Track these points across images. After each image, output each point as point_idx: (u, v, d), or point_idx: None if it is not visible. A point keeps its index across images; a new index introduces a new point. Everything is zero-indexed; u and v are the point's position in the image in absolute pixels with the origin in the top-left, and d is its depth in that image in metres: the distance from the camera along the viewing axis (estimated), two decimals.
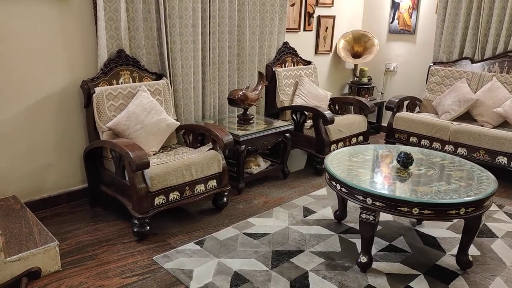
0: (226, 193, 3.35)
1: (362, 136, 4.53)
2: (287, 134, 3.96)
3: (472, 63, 4.77)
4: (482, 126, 4.35)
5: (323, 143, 4.07)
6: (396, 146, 3.27)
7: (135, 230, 2.87)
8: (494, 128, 4.29)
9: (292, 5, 4.79)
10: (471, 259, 2.63)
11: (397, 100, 4.68)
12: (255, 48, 4.34)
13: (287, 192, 3.77)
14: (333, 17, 5.34)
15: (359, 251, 2.65)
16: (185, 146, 3.53)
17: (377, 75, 5.76)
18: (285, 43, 4.67)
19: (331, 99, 4.74)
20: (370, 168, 2.83)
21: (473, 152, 4.08)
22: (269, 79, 4.46)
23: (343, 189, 2.59)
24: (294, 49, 4.74)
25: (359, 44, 5.57)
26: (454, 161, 2.97)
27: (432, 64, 5.03)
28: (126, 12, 3.35)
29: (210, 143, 3.31)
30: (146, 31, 3.50)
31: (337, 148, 4.23)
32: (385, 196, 2.37)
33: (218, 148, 3.25)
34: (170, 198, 2.96)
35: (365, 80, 5.56)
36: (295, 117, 4.30)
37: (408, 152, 2.75)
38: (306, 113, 4.22)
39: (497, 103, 4.28)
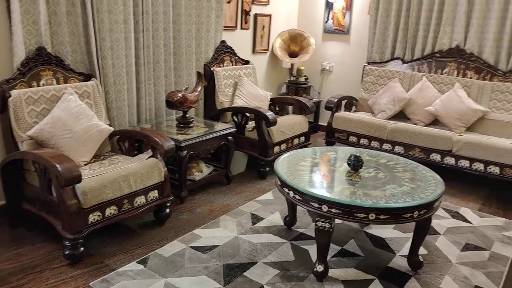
0: (168, 204, 3.10)
1: (303, 137, 4.49)
2: (230, 137, 3.79)
3: (403, 63, 4.94)
4: (415, 124, 4.51)
5: (266, 146, 3.96)
6: (344, 148, 3.24)
7: (67, 252, 2.53)
8: (426, 126, 4.47)
9: (229, 2, 4.61)
10: (421, 260, 2.66)
11: (336, 100, 4.71)
12: (191, 46, 4.10)
13: (233, 198, 3.60)
14: (270, 16, 5.25)
15: (314, 260, 2.57)
16: (121, 154, 3.21)
17: (314, 75, 5.79)
18: (223, 42, 4.48)
19: (271, 99, 4.65)
20: (321, 173, 2.75)
21: (409, 150, 4.21)
22: (207, 79, 4.24)
23: (297, 196, 2.48)
24: (231, 48, 4.57)
25: (296, 43, 5.55)
26: (400, 162, 2.99)
27: (366, 64, 5.14)
28: (46, 4, 2.96)
29: (150, 150, 3.04)
30: (71, 26, 3.13)
31: (280, 150, 4.15)
32: (342, 202, 2.29)
33: (158, 155, 2.99)
34: (106, 214, 2.65)
35: (302, 79, 5.55)
36: (236, 119, 4.14)
37: (358, 155, 2.71)
38: (248, 114, 4.07)
39: (428, 102, 4.46)
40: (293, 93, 5.54)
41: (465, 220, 3.39)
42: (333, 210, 2.32)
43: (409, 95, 4.58)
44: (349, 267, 2.66)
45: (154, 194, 2.95)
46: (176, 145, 3.15)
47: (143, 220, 3.13)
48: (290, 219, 3.09)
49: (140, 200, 2.86)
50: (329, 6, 5.49)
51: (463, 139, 3.91)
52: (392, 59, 5.02)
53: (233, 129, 3.81)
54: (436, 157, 4.08)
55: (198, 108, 4.26)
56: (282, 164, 2.81)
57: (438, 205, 2.51)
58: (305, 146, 4.59)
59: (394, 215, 2.29)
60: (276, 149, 4.10)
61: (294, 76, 5.64)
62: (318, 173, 2.73)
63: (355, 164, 2.69)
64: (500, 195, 3.93)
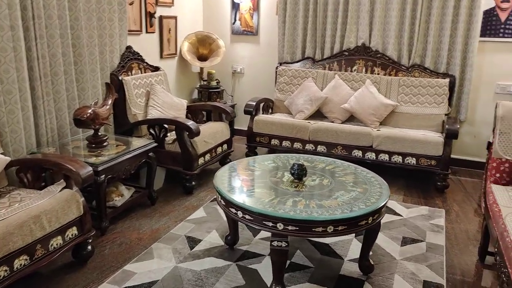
0: (90, 240, 2.65)
1: (226, 144, 4.28)
2: (151, 154, 3.42)
3: (314, 62, 4.99)
4: (333, 121, 4.58)
5: (190, 158, 3.66)
6: (280, 156, 3.09)
7: None
8: (342, 122, 4.57)
9: (131, 3, 4.19)
10: (372, 263, 2.63)
11: (254, 103, 4.57)
12: (95, 54, 3.62)
13: (161, 221, 3.25)
14: (175, 18, 4.92)
15: (266, 280, 2.38)
16: (23, 188, 2.66)
17: (225, 78, 5.59)
18: (129, 48, 4.05)
19: (187, 107, 4.34)
20: (266, 186, 2.56)
21: (331, 149, 4.25)
22: (116, 90, 3.78)
23: (247, 216, 2.27)
24: (138, 54, 4.16)
25: (204, 46, 5.29)
26: (338, 165, 2.95)
27: (278, 64, 5.10)
28: None
29: (62, 180, 2.57)
30: None
31: (205, 161, 3.88)
32: (299, 219, 2.13)
33: (74, 185, 2.53)
34: (15, 266, 2.15)
35: (214, 83, 5.32)
36: (153, 132, 3.76)
37: (301, 163, 2.58)
38: (167, 126, 3.72)
39: (343, 99, 4.56)
40: (206, 99, 5.28)
41: (395, 213, 3.49)
42: (290, 228, 2.15)
43: (325, 93, 4.63)
44: (303, 281, 2.52)
45: (72, 231, 2.50)
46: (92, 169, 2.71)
47: (59, 263, 2.64)
48: (232, 238, 2.86)
49: (57, 241, 2.39)
50: (235, 7, 5.34)
51: (382, 134, 4.04)
52: (303, 58, 5.05)
53: (154, 144, 3.45)
54: (357, 153, 4.17)
55: (110, 124, 3.78)
56: (222, 180, 2.57)
57: (385, 207, 2.50)
58: (229, 154, 4.38)
59: (351, 225, 2.20)
60: (201, 160, 3.82)
61: (205, 81, 5.39)
62: (264, 187, 2.54)
63: (299, 173, 2.56)
64: (417, 185, 4.16)
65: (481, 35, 4.32)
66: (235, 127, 5.56)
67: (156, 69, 4.35)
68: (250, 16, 5.29)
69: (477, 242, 3.03)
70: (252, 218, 2.24)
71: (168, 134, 3.78)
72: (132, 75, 4.01)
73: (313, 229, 2.15)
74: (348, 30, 4.80)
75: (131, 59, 4.05)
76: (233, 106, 5.50)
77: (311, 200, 2.33)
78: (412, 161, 3.98)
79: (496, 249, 2.28)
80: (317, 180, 2.65)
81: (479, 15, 4.24)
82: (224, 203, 2.43)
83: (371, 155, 4.12)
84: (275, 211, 2.18)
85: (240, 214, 2.30)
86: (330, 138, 4.23)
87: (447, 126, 3.85)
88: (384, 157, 4.08)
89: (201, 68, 5.41)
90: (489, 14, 4.32)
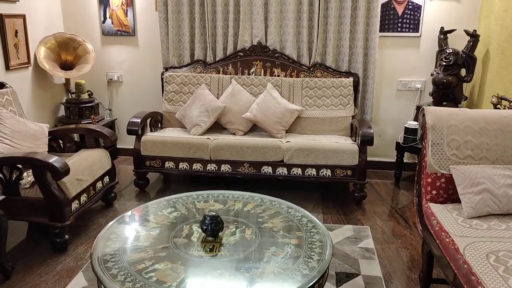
0: None
1: (108, 176, 3.39)
2: None
3: (206, 66, 4.32)
4: (234, 133, 3.99)
5: (59, 206, 2.73)
6: (182, 198, 2.37)
7: None
8: (245, 134, 4.00)
9: None
10: None
11: (139, 120, 3.74)
12: None
13: None
14: (23, 16, 3.81)
15: None
16: None
17: (100, 89, 4.61)
18: None
19: (50, 133, 3.34)
20: (171, 257, 1.82)
21: (237, 167, 3.65)
22: None
23: None
24: None
25: (67, 51, 4.25)
26: (257, 203, 2.35)
27: (164, 70, 4.31)
28: None
29: None
30: None
31: (81, 205, 2.97)
32: None
33: None
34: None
35: (85, 96, 4.33)
36: (1, 175, 2.74)
37: (214, 213, 1.91)
38: (20, 165, 2.74)
39: (244, 108, 3.99)
40: (77, 116, 4.27)
41: None
42: None
43: (222, 102, 4.00)
44: None
45: None
46: None
47: None
48: None
49: None
50: (103, 2, 4.38)
51: (293, 147, 3.56)
52: (193, 62, 4.34)
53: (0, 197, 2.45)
54: (267, 169, 3.64)
55: None
56: (104, 257, 1.77)
57: None
58: (113, 187, 3.50)
59: None
60: (75, 205, 2.91)
61: (72, 93, 4.36)
62: (167, 259, 1.80)
63: (214, 229, 1.89)
64: (334, 198, 3.78)
65: (381, 30, 4.09)
66: (118, 146, 4.64)
67: (1, 86, 3.26)
68: (124, 12, 4.39)
69: (414, 267, 2.71)
70: None
71: (24, 175, 2.79)
72: None
73: None
74: (242, 27, 4.22)
75: None
76: (112, 122, 4.57)
77: (239, 273, 1.68)
78: (327, 172, 3.58)
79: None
80: (237, 233, 2.00)
81: (378, 9, 3.99)
82: None
83: (282, 170, 3.62)
84: None
85: None
86: (235, 156, 3.62)
87: (360, 131, 3.51)
88: (297, 171, 3.60)
89: (67, 79, 4.36)
90: (387, 8, 4.10)
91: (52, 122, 4.29)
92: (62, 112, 4.42)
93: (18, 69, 3.77)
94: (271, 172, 3.63)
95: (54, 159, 2.68)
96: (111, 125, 4.54)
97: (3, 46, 3.59)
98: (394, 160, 4.18)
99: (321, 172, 3.58)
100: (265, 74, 4.23)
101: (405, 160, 4.22)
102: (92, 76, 4.52)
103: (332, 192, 3.87)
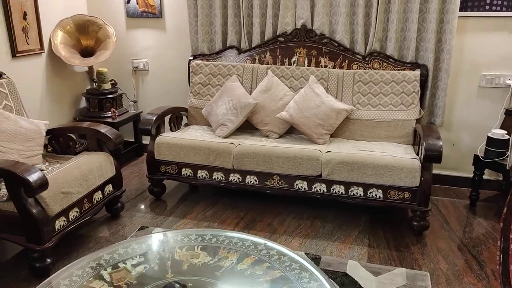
0: None
1: (111, 185, 2.89)
2: None
3: (239, 53, 3.65)
4: (267, 136, 3.32)
5: (36, 225, 2.27)
6: (167, 239, 1.77)
7: None
8: (280, 137, 3.32)
9: None
10: None
11: (154, 118, 3.19)
12: None
13: None
14: None
15: None
16: None
17: (125, 77, 4.14)
18: None
19: (50, 131, 2.91)
20: None
21: (265, 179, 2.99)
22: None
23: None
24: None
25: (87, 35, 3.80)
26: (259, 255, 1.67)
27: (191, 58, 3.72)
28: None
29: None
30: None
31: (69, 221, 2.50)
32: None
33: None
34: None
35: (106, 86, 3.88)
36: None
37: (178, 285, 1.28)
38: None
39: (280, 105, 3.29)
40: (97, 108, 3.84)
41: (359, 287, 2.30)
42: None
43: (255, 97, 3.34)
44: None
45: None
46: None
47: None
48: None
49: None
50: None
51: (334, 159, 2.81)
52: (226, 48, 3.69)
53: None
54: (302, 184, 2.93)
55: None
56: None
57: None
58: (119, 197, 3.00)
59: None
60: (60, 222, 2.43)
61: (95, 82, 3.92)
62: None
63: None
64: (384, 224, 2.99)
65: (461, 9, 3.15)
66: (144, 142, 4.17)
67: None
68: None
69: None
70: None
71: (2, 185, 2.36)
72: None
73: None
74: (283, 7, 3.49)
75: None
76: (137, 116, 4.09)
77: None
78: (378, 194, 2.80)
79: None
80: None
81: None
82: None
83: (320, 187, 2.90)
84: None
85: None
86: (262, 166, 2.96)
87: (425, 143, 2.67)
88: (338, 189, 2.87)
89: (90, 67, 3.93)
90: None
91: (71, 114, 3.90)
92: (83, 104, 4.01)
93: (27, 56, 3.37)
94: (306, 188, 2.93)
95: (32, 171, 2.20)
96: (136, 119, 4.06)
97: (9, 30, 3.18)
98: (471, 177, 3.27)
99: (370, 193, 2.81)
100: (309, 64, 3.48)
101: (485, 176, 3.28)
102: (117, 64, 4.06)
103: (384, 216, 3.08)
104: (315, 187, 2.91)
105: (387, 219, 3.03)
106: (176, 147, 3.10)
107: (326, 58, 3.45)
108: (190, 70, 3.65)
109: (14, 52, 3.24)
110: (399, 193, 2.77)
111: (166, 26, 3.91)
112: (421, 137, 2.84)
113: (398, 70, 3.28)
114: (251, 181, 3.02)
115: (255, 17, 3.57)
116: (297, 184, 2.94)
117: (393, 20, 3.26)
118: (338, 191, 2.87)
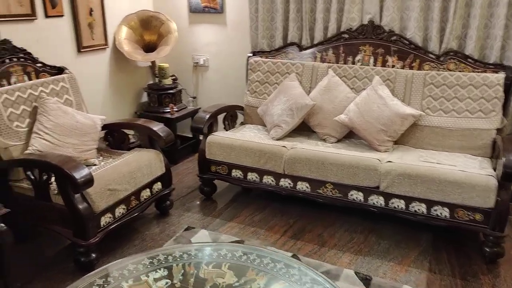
0: None
1: (160, 182, 2.87)
2: (0, 226, 2.07)
3: (300, 50, 3.47)
4: (324, 140, 3.12)
5: (81, 220, 2.30)
6: (188, 251, 1.68)
7: None
8: (338, 141, 3.09)
9: None
10: None
11: (207, 116, 3.13)
12: None
13: None
14: None
15: None
16: None
17: (185, 73, 4.14)
18: (5, 43, 2.68)
19: (106, 126, 2.96)
20: None
21: (317, 187, 2.80)
22: None
23: None
24: (25, 50, 2.79)
25: (150, 30, 3.84)
26: (292, 280, 1.51)
27: (250, 54, 3.60)
28: None
29: None
30: None
31: (115, 219, 2.51)
32: None
33: None
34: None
35: (167, 82, 3.90)
36: (33, 176, 2.41)
37: None
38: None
39: (339, 107, 3.06)
40: (156, 103, 3.88)
41: None
42: None
43: (313, 98, 3.14)
44: None
45: None
46: None
47: None
48: None
49: None
50: None
51: (395, 170, 2.54)
52: (286, 45, 3.52)
53: (2, 211, 2.08)
54: (357, 195, 2.70)
55: None
56: None
57: None
58: (169, 195, 2.98)
59: None
60: (106, 219, 2.45)
61: (157, 77, 3.96)
62: None
63: None
64: (450, 246, 2.65)
65: None
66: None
67: (59, 71, 2.96)
68: None
69: None
70: None
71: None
72: (9, 85, 2.64)
73: None
74: (349, 1, 3.24)
75: (9, 60, 2.68)
76: (195, 112, 4.07)
77: None
78: (444, 212, 2.48)
79: None
80: None
81: None
82: None
83: (377, 200, 2.64)
84: None
85: None
86: (315, 172, 2.76)
87: (504, 159, 2.31)
88: (398, 203, 2.59)
89: (153, 62, 3.97)
90: None
91: (132, 108, 3.98)
92: (144, 98, 4.08)
93: (91, 51, 3.47)
94: (362, 200, 2.69)
95: (79, 169, 2.23)
96: (194, 115, 4.03)
97: (75, 26, 3.29)
98: None
99: (434, 211, 2.51)
100: (374, 64, 3.20)
101: None
102: (178, 59, 4.06)
103: (450, 237, 2.73)
104: (371, 200, 2.66)
105: (453, 241, 2.69)
106: (227, 147, 3.01)
107: (394, 57, 3.14)
108: (248, 67, 3.54)
109: (79, 47, 3.34)
110: (469, 213, 2.43)
111: (227, 21, 3.83)
112: (501, 150, 2.47)
113: (478, 72, 2.89)
114: (302, 188, 2.84)
115: (318, 12, 3.36)
116: (351, 195, 2.71)
117: (475, 15, 2.88)
118: (397, 206, 2.60)
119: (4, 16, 2.76)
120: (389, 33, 3.16)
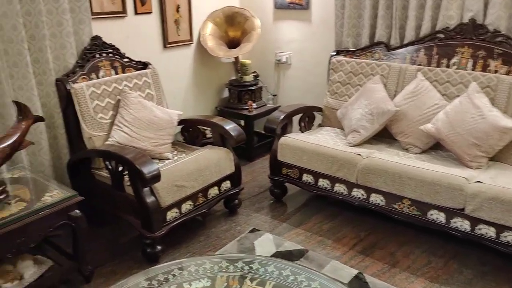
0: None
1: (229, 181, 2.87)
2: (75, 212, 2.21)
3: (388, 50, 3.21)
4: (407, 149, 2.85)
5: (148, 213, 2.38)
6: (235, 259, 1.62)
7: None
8: (423, 152, 2.81)
9: None
10: None
11: (282, 116, 3.04)
12: (29, 53, 2.49)
13: None
14: None
15: None
16: None
17: (267, 70, 4.10)
18: (95, 39, 2.86)
19: (182, 121, 3.03)
20: None
21: (393, 201, 2.57)
22: (63, 102, 2.67)
23: None
24: (113, 46, 2.95)
25: (234, 26, 3.85)
26: None
27: (334, 53, 3.42)
28: None
29: None
30: None
31: (181, 214, 2.56)
32: None
33: None
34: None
35: (248, 78, 3.88)
36: (110, 166, 2.56)
37: None
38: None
39: (426, 115, 2.77)
40: (236, 100, 3.89)
41: None
42: None
43: (397, 103, 2.89)
44: None
45: None
46: None
47: None
48: None
49: None
50: None
51: (485, 192, 2.22)
52: (372, 44, 3.29)
53: (78, 198, 2.23)
54: (437, 216, 2.42)
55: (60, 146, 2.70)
56: None
57: None
58: (237, 194, 2.97)
59: None
60: (172, 214, 2.51)
61: (239, 73, 3.97)
62: None
63: None
64: None
65: None
66: None
67: (143, 66, 3.10)
68: None
69: None
70: None
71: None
72: (97, 78, 2.82)
73: None
74: None
75: (98, 54, 2.86)
76: (275, 110, 4.00)
77: None
78: None
79: None
80: None
81: None
82: None
83: (462, 224, 2.34)
84: None
85: None
86: (391, 186, 2.53)
87: None
88: (486, 231, 2.27)
89: (236, 58, 3.99)
90: None
91: (214, 103, 4.04)
92: (225, 94, 4.11)
93: (178, 47, 3.57)
94: (443, 221, 2.40)
95: (147, 164, 2.30)
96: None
97: (162, 22, 3.41)
98: None
99: None
100: (473, 68, 2.84)
101: None
102: (261, 56, 4.03)
103: None
104: (454, 222, 2.37)
105: None
106: (299, 150, 2.90)
107: (498, 61, 2.75)
108: (330, 66, 3.37)
109: (165, 43, 3.46)
110: None
111: (312, 18, 3.69)
112: None
113: None
114: (376, 201, 2.63)
115: (411, 9, 3.06)
116: (431, 214, 2.44)
117: None
118: (486, 234, 2.27)
119: (98, 14, 2.94)
120: (494, 34, 2.77)
